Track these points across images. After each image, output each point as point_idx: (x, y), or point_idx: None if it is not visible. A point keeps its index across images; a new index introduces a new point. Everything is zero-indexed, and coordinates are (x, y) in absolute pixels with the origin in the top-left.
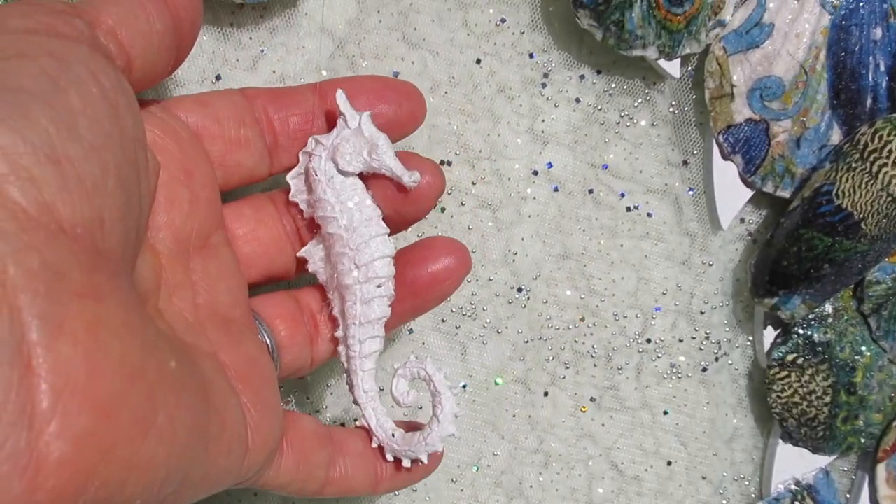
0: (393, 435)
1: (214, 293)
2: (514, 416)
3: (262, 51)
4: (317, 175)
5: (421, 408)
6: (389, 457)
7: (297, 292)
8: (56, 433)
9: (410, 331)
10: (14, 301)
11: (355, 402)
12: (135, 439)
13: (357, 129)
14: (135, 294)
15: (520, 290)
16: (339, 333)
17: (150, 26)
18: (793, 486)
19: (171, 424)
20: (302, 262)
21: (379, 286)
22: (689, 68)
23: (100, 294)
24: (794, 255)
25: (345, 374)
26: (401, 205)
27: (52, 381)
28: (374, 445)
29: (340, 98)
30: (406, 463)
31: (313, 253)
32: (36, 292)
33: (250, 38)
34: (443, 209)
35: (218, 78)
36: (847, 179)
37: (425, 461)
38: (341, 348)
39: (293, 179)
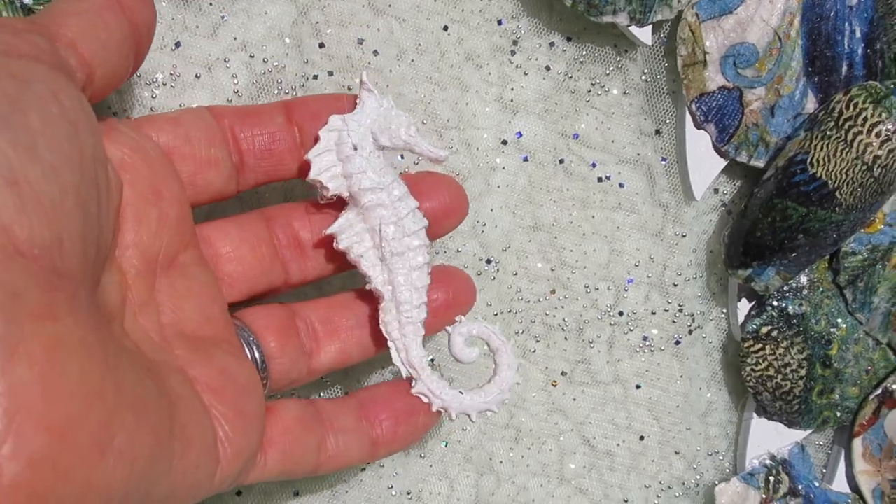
0: (461, 393)
1: (182, 311)
2: None
3: (223, 17)
4: (356, 149)
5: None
6: (453, 415)
7: (298, 305)
8: (9, 455)
9: None
10: None
11: (409, 369)
12: (92, 460)
13: (388, 108)
14: (96, 313)
15: (489, 261)
16: (385, 303)
17: (108, 35)
18: (768, 461)
19: (131, 444)
20: (287, 281)
21: (428, 252)
22: (662, 35)
23: (58, 314)
24: (768, 225)
25: (390, 345)
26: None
27: (6, 403)
28: (436, 407)
29: (365, 76)
30: (474, 417)
31: (347, 227)
32: None
33: (210, 4)
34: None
35: (177, 45)
36: (822, 148)
37: (496, 411)
38: (388, 317)
39: (316, 157)
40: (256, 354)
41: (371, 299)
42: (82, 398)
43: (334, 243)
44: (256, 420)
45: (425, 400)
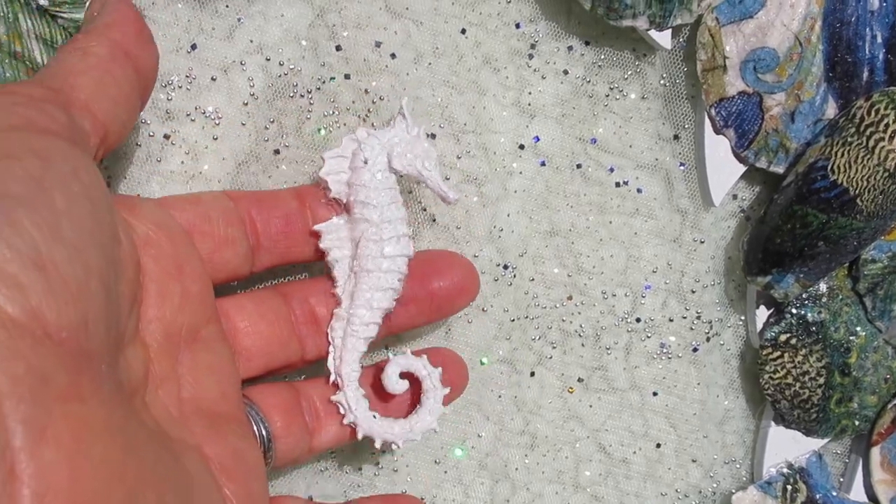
0: (374, 416)
1: (201, 387)
2: (499, 396)
3: (240, 19)
4: (366, 163)
5: None
6: (360, 435)
7: (302, 384)
8: None
9: None
10: None
11: (337, 377)
12: None
13: (415, 137)
14: (119, 391)
15: (505, 267)
16: (339, 311)
17: (118, 90)
18: (785, 470)
19: None
20: (303, 357)
21: (399, 280)
22: (681, 39)
23: (83, 395)
24: (788, 232)
25: (329, 350)
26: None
27: (35, 486)
28: (346, 423)
29: (405, 102)
30: (377, 444)
31: (333, 230)
32: (21, 398)
33: (227, 7)
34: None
35: (193, 47)
36: (843, 154)
37: (400, 446)
38: (338, 324)
39: (331, 158)
40: (264, 432)
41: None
42: (106, 478)
43: (319, 241)
44: (262, 502)
45: (341, 410)
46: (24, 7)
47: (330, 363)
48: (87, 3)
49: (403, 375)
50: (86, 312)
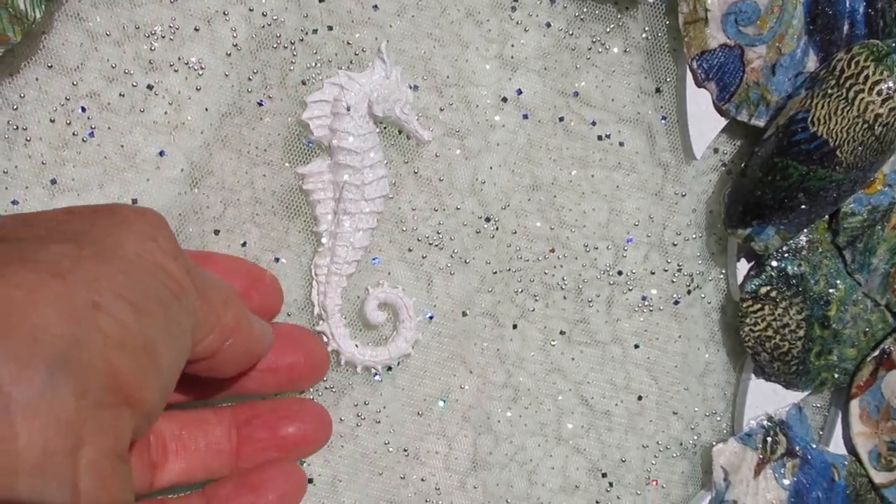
0: (356, 346)
1: None
2: (482, 349)
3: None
4: (348, 110)
5: None
6: (342, 361)
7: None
8: None
9: (375, 259)
10: None
11: (321, 309)
12: None
13: (394, 82)
14: None
15: (488, 219)
16: (323, 249)
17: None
18: (765, 422)
19: None
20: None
21: (377, 219)
22: None
23: None
24: (769, 184)
25: (313, 284)
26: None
27: None
28: (331, 349)
29: (384, 46)
30: (359, 369)
31: (317, 172)
32: None
33: None
34: (407, 137)
35: None
36: (823, 106)
37: (379, 371)
38: (322, 261)
39: (313, 103)
40: None
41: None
42: None
43: (301, 182)
44: None
45: (324, 339)
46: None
47: (314, 296)
48: None
49: (381, 307)
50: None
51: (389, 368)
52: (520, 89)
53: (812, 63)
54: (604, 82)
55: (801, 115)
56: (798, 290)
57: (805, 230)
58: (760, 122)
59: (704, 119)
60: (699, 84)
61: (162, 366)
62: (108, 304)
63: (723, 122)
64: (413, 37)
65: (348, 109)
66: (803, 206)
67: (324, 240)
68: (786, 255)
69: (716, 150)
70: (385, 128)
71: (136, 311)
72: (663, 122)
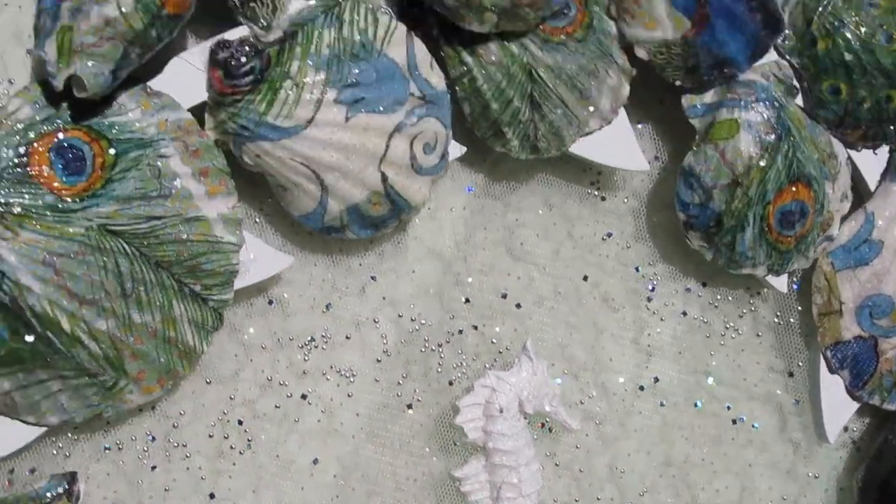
0: None
1: None
2: None
3: (373, 277)
4: (501, 412)
5: None
6: None
7: None
8: None
9: None
10: None
11: None
12: None
13: (541, 377)
14: None
15: None
16: None
17: None
18: None
19: None
20: None
21: None
22: (795, 278)
23: None
24: None
25: None
26: None
27: None
28: None
29: (529, 343)
30: None
31: (473, 475)
32: None
33: (360, 265)
34: (550, 430)
35: (328, 307)
36: None
37: None
38: None
39: (467, 407)
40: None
41: None
42: None
43: (459, 484)
44: None
45: None
46: (178, 293)
47: None
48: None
49: None
50: None
51: None
52: (657, 377)
53: None
54: (734, 361)
55: None
56: None
57: None
58: (893, 407)
59: (838, 403)
60: (832, 371)
61: None
62: None
63: (855, 405)
64: (552, 326)
65: (501, 411)
66: None
67: None
68: None
69: (846, 429)
70: (529, 421)
71: None
72: (795, 404)
